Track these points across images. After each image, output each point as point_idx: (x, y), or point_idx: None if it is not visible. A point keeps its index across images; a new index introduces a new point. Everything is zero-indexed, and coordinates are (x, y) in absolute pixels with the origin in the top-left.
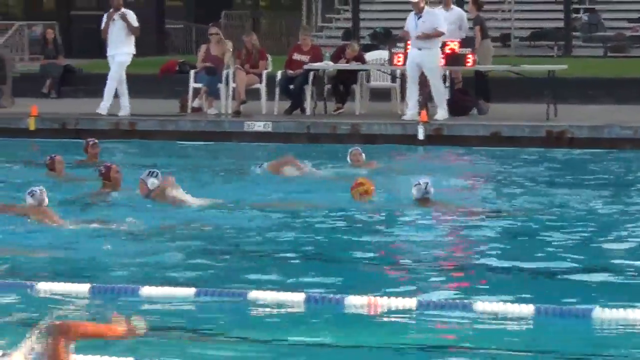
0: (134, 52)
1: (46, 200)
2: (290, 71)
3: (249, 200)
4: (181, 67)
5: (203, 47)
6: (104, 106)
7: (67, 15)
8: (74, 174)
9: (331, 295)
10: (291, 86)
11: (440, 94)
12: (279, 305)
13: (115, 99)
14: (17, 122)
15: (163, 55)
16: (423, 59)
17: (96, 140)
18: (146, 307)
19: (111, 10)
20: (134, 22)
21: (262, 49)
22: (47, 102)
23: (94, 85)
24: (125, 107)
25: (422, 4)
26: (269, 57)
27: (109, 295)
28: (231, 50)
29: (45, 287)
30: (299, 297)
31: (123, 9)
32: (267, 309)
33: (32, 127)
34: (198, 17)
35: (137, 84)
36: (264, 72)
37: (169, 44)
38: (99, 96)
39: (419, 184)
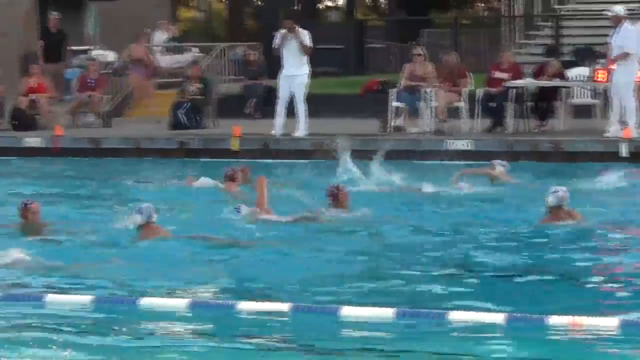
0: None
1: (154, 216)
2: (491, 89)
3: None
4: (382, 86)
5: (407, 67)
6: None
7: (268, 36)
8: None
9: (532, 315)
10: (492, 104)
11: (630, 110)
12: (477, 324)
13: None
14: (221, 143)
15: (364, 75)
16: (617, 75)
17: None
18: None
19: (284, 30)
20: (308, 41)
21: (462, 67)
22: (250, 123)
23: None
24: (302, 128)
25: (619, 18)
26: (470, 75)
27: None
28: (433, 69)
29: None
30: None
31: (298, 29)
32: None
33: (235, 148)
34: (399, 37)
35: (339, 103)
36: (465, 90)
37: (370, 63)
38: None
39: (556, 191)
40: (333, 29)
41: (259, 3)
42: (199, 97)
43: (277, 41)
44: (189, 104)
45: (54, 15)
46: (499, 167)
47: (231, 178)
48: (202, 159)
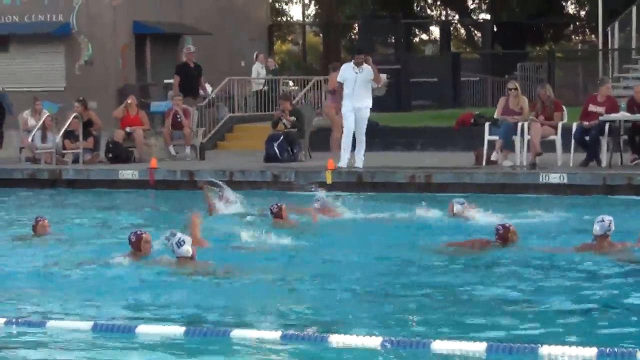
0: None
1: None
2: (586, 122)
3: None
4: (477, 119)
5: (501, 100)
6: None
7: None
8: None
9: (624, 349)
10: (587, 137)
11: None
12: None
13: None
14: (315, 176)
15: (459, 108)
16: None
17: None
18: None
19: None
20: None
21: (557, 100)
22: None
23: (391, 138)
24: (361, 159)
25: None
26: (564, 109)
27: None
28: (527, 103)
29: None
30: (591, 352)
31: (365, 64)
32: None
33: (329, 181)
34: (493, 70)
35: (434, 136)
36: (560, 124)
37: (465, 96)
38: (396, 149)
39: (603, 220)
40: (428, 62)
41: (354, 37)
42: (292, 129)
43: (344, 74)
44: (283, 136)
45: (189, 50)
46: (457, 206)
47: (277, 215)
48: (295, 192)
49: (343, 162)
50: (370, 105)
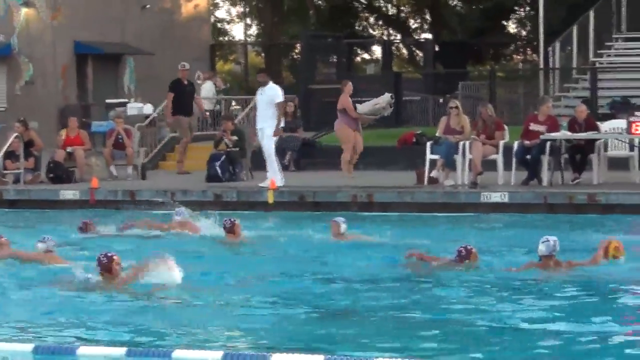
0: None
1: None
2: (527, 141)
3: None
4: (418, 138)
5: (443, 119)
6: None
7: (305, 89)
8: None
9: None
10: (528, 156)
11: None
12: None
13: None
14: (257, 196)
15: (401, 127)
16: None
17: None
18: None
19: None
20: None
21: (498, 119)
22: (287, 175)
23: (333, 157)
24: (268, 178)
25: None
26: (506, 128)
27: None
28: (468, 122)
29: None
30: None
31: (268, 85)
32: None
33: (270, 201)
34: (435, 89)
35: (376, 155)
36: (501, 143)
37: (407, 115)
38: (338, 168)
39: (548, 240)
40: (370, 82)
41: (296, 56)
42: (234, 149)
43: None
44: (225, 156)
45: (183, 67)
46: (343, 225)
47: (230, 230)
48: (237, 212)
49: (279, 181)
50: (273, 126)
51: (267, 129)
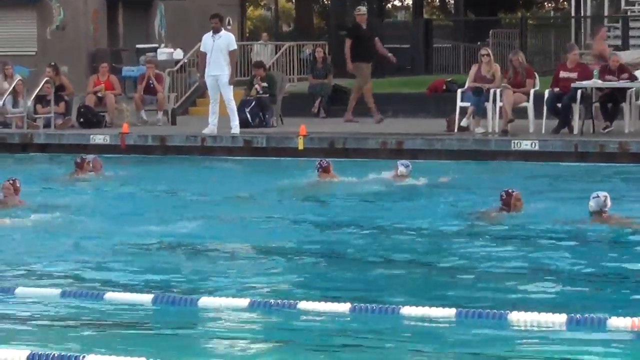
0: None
1: None
2: (557, 89)
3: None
4: (448, 85)
5: (474, 67)
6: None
7: (336, 35)
8: None
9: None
10: (559, 104)
11: None
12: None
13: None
14: (287, 142)
15: (431, 75)
16: None
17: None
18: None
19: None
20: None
21: (529, 67)
22: (316, 122)
23: (363, 104)
24: (234, 126)
25: None
26: (537, 76)
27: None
28: (499, 70)
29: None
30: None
31: (222, 31)
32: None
33: (300, 147)
34: (466, 37)
35: (406, 102)
36: (532, 91)
37: (436, 63)
38: (368, 115)
39: (598, 196)
40: (400, 29)
41: (327, 2)
42: (264, 95)
43: (204, 43)
44: (255, 102)
45: (359, 11)
46: (402, 168)
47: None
48: (267, 158)
49: (208, 129)
50: (228, 72)
51: (222, 77)
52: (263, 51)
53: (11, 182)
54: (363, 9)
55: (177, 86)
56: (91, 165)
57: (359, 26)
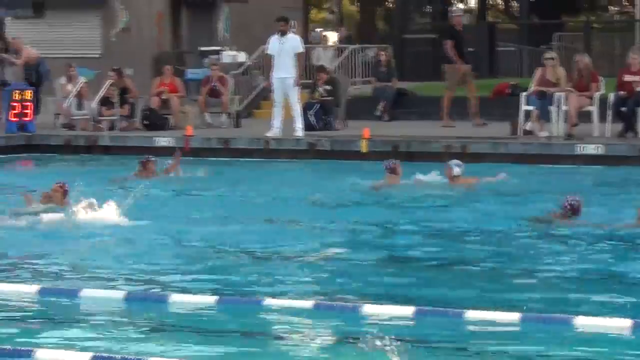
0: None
1: None
2: (622, 92)
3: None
4: (513, 89)
5: (538, 71)
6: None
7: (399, 38)
8: None
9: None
10: (623, 108)
11: None
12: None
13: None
14: (350, 145)
15: (495, 78)
16: None
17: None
18: None
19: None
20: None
21: (593, 71)
22: (380, 125)
23: (427, 107)
24: (299, 128)
25: None
26: (601, 79)
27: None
28: (564, 73)
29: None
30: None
31: (289, 34)
32: None
33: (364, 150)
34: (530, 40)
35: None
36: (596, 94)
37: (501, 66)
38: (432, 118)
39: None
40: (464, 32)
41: (391, 5)
42: (328, 98)
43: (270, 46)
44: (319, 105)
45: (456, 13)
46: (456, 169)
47: (393, 171)
48: (331, 160)
49: (272, 132)
50: (294, 75)
51: (289, 79)
52: (323, 55)
53: (60, 185)
54: (459, 10)
55: (241, 89)
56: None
57: (454, 28)
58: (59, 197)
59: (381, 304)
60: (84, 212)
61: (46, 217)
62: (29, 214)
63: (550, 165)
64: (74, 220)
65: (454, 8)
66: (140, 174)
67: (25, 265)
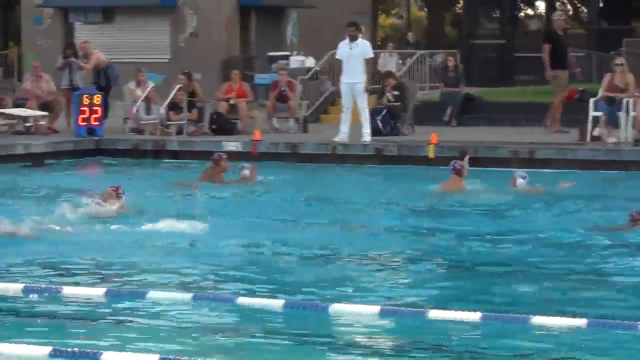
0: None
1: None
2: None
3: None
4: (581, 95)
5: (607, 76)
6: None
7: (467, 44)
8: None
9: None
10: None
11: None
12: None
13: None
14: (417, 150)
15: None
16: None
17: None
18: None
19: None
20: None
21: None
22: (447, 130)
23: (494, 113)
24: (367, 134)
25: None
26: None
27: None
28: (633, 79)
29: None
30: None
31: (359, 39)
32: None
33: (431, 155)
34: (599, 45)
35: (538, 112)
36: None
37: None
38: (500, 124)
39: None
40: (533, 37)
41: (459, 11)
42: (396, 103)
43: (340, 51)
44: (386, 110)
45: (558, 16)
46: (520, 180)
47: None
48: (398, 165)
49: (339, 137)
50: (363, 80)
51: (358, 84)
52: (389, 61)
53: (114, 188)
54: (561, 14)
55: (309, 94)
56: (247, 172)
57: (556, 32)
58: (113, 201)
59: (447, 310)
60: (145, 215)
61: (105, 218)
62: (91, 217)
63: (618, 172)
64: (138, 223)
65: (557, 12)
66: (213, 172)
67: (90, 268)
